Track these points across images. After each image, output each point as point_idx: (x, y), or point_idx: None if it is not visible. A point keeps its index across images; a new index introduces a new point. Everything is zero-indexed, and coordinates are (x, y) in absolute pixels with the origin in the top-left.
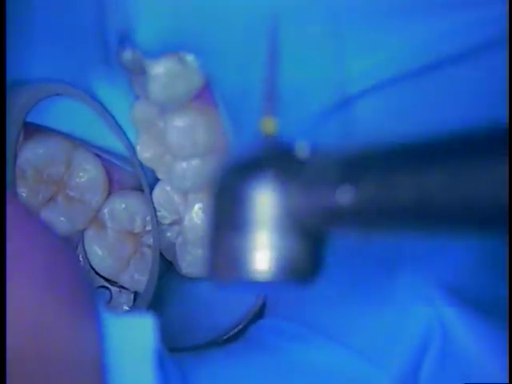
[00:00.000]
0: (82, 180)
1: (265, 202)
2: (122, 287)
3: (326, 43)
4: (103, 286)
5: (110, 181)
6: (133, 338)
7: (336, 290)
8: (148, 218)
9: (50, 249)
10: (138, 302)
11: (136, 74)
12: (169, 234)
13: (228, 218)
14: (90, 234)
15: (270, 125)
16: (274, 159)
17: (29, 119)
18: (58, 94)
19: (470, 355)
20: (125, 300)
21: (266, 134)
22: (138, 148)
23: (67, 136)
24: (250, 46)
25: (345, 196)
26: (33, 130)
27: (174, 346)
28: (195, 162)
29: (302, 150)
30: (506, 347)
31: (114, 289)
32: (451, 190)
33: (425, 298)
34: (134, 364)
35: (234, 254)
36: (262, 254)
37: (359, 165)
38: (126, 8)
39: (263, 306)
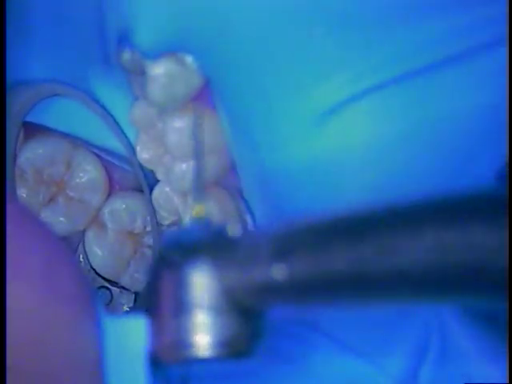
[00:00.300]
0: (83, 180)
1: (201, 283)
2: (123, 287)
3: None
4: (104, 287)
5: (111, 181)
6: (132, 339)
7: None
8: (148, 219)
9: (49, 249)
10: (138, 302)
11: (135, 75)
12: None
13: (167, 301)
14: (90, 235)
15: (200, 210)
16: (207, 242)
17: (29, 119)
18: (57, 95)
19: (470, 356)
20: (125, 300)
21: (197, 219)
22: (138, 149)
23: (67, 136)
24: (250, 46)
25: (280, 272)
26: (33, 129)
27: None
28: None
29: (234, 230)
30: (506, 347)
31: (114, 289)
32: (385, 261)
33: None
34: (133, 364)
35: (176, 335)
36: (203, 334)
37: (292, 240)
38: (125, 8)
39: None
